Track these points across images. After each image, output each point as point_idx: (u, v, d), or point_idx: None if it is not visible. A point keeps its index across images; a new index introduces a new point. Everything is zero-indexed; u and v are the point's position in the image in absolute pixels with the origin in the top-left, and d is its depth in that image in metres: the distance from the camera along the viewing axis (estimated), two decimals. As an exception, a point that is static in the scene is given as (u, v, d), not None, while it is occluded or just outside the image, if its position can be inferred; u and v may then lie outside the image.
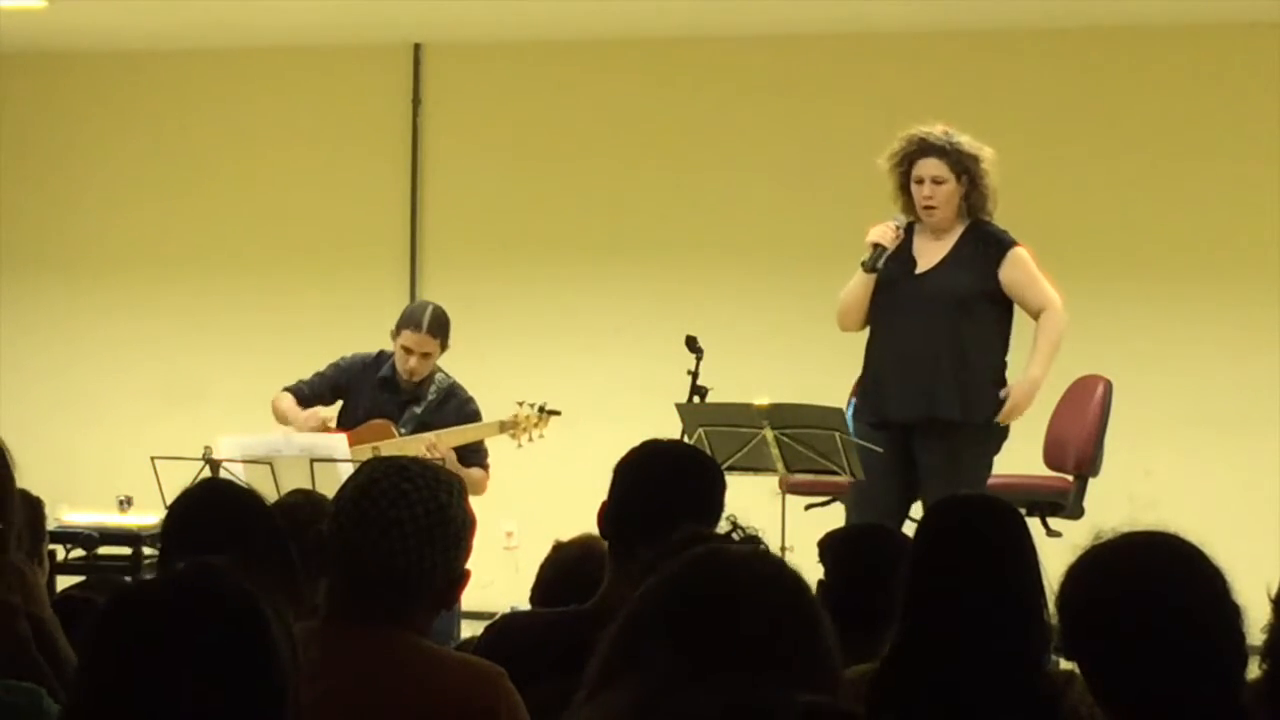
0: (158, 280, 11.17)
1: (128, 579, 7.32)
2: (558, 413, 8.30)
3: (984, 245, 7.42)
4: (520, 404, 8.24)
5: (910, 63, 10.19)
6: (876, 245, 7.43)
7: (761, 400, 7.28)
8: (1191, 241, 9.97)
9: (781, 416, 7.22)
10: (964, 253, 7.42)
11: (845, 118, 9.97)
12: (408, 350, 8.13)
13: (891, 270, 7.44)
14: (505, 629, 4.19)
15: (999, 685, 3.61)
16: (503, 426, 8.22)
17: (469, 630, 6.62)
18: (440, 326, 8.17)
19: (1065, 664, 3.48)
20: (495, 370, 9.23)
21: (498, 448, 8.32)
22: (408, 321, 8.19)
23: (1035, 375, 7.40)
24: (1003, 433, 7.44)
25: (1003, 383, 7.42)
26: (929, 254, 7.46)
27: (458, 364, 8.45)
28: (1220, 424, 9.84)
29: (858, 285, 7.50)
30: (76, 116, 11.33)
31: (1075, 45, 10.10)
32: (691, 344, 7.65)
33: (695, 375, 7.63)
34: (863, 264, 7.44)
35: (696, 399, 7.61)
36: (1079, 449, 8.01)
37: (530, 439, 8.25)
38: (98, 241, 11.27)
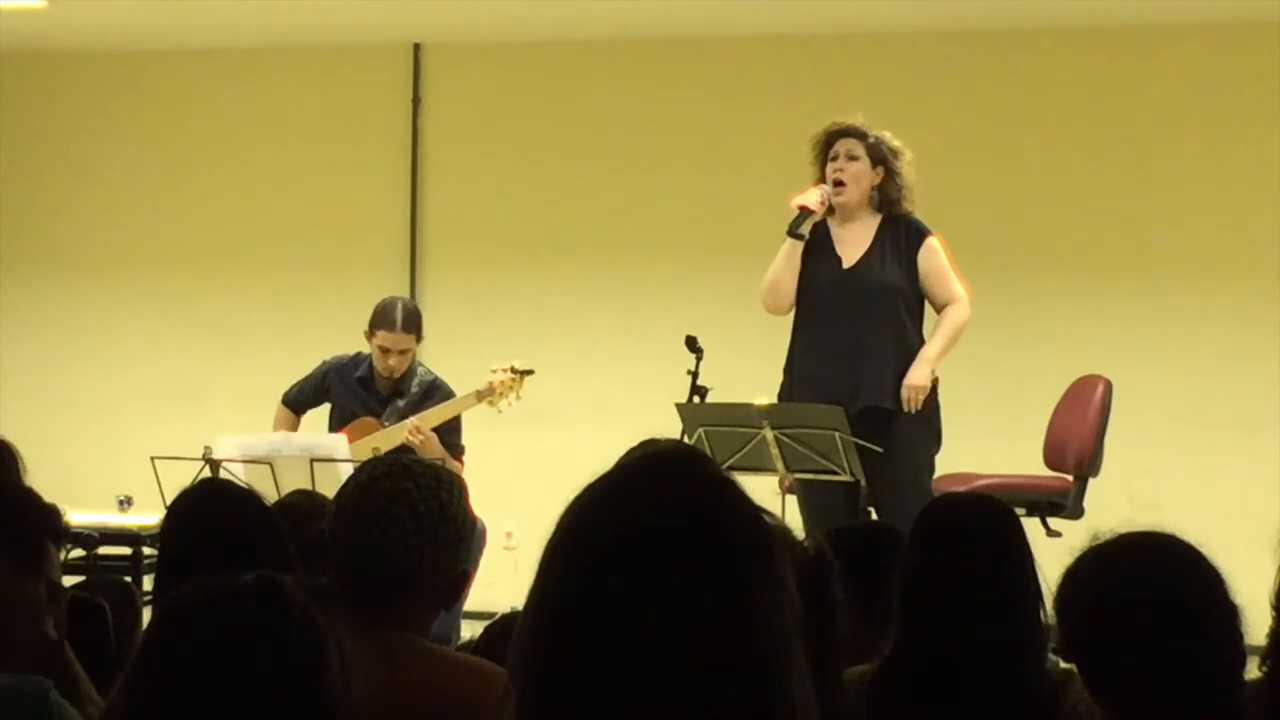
0: (158, 280, 11.17)
1: (128, 579, 7.33)
2: (530, 371, 8.29)
3: (903, 234, 7.49)
4: (494, 370, 8.23)
5: (909, 63, 10.19)
6: (803, 209, 7.47)
7: (761, 400, 7.28)
8: (1192, 241, 9.97)
9: (781, 416, 7.22)
10: (886, 243, 7.48)
11: (846, 118, 9.96)
12: (385, 350, 8.11)
13: (819, 266, 7.48)
14: (505, 629, 4.19)
15: (997, 685, 3.61)
16: (479, 396, 8.19)
17: (469, 630, 6.62)
18: (413, 321, 8.18)
19: (1064, 664, 3.49)
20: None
21: (497, 450, 8.31)
22: (381, 322, 8.16)
23: (931, 355, 7.42)
24: (937, 421, 7.45)
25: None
26: (850, 247, 7.52)
27: (457, 363, 8.44)
28: (1220, 424, 9.83)
29: (784, 256, 7.55)
30: (76, 116, 11.33)
31: (1075, 45, 10.09)
32: (691, 344, 7.64)
33: (695, 375, 7.62)
34: (788, 230, 7.49)
35: (696, 399, 7.60)
36: (1079, 449, 8.01)
37: (509, 403, 8.24)
38: (98, 241, 11.27)
